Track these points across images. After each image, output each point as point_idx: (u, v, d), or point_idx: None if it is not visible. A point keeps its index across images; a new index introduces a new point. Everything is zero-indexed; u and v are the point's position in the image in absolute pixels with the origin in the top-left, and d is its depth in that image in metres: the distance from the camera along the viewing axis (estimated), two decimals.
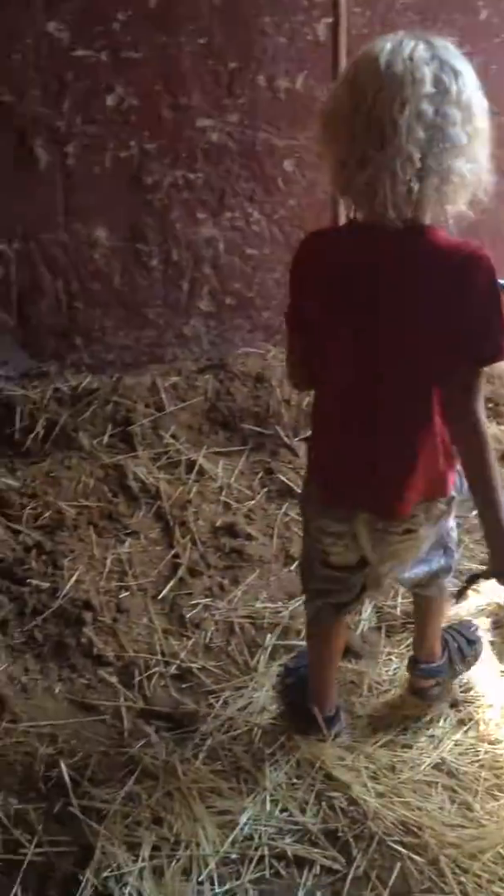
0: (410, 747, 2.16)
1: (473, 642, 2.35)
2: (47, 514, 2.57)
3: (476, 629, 2.40)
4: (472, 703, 2.31)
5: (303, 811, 2.01)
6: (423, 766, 2.12)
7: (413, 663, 2.24)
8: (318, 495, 1.93)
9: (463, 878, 1.89)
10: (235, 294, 3.24)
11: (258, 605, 2.47)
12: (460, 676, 2.31)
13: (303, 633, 2.32)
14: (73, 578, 2.40)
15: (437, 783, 2.10)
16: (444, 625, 2.29)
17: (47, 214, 2.95)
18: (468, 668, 2.33)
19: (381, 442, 1.78)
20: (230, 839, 1.95)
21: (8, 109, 2.82)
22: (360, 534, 1.89)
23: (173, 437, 2.86)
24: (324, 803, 2.03)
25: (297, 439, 2.93)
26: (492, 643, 2.47)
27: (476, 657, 2.35)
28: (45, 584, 2.39)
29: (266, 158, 3.08)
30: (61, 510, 2.59)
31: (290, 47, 2.96)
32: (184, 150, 3.01)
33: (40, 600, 2.36)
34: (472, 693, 2.34)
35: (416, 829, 1.97)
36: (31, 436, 2.81)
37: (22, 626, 2.34)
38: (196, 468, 2.79)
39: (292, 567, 2.56)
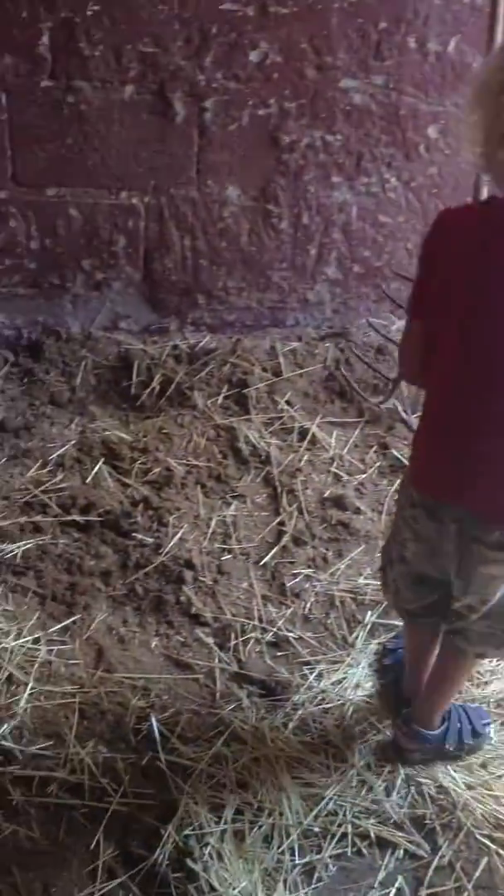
0: None
1: (479, 735, 2.11)
2: (156, 470, 2.60)
3: (488, 723, 2.14)
4: None
5: (389, 794, 2.00)
6: None
7: (407, 718, 2.07)
8: (415, 480, 1.84)
9: None
10: (364, 262, 3.19)
11: (361, 580, 2.44)
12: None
13: None
14: (178, 536, 2.43)
15: None
16: (455, 700, 2.13)
17: (180, 170, 2.96)
18: (459, 757, 2.08)
19: (490, 443, 1.68)
20: (314, 812, 1.95)
21: (150, 60, 2.82)
22: (448, 538, 1.78)
23: (288, 403, 2.85)
24: (412, 788, 2.01)
25: (414, 416, 2.88)
26: None
27: (473, 751, 2.10)
28: (150, 540, 2.42)
29: (409, 123, 3.01)
30: (170, 467, 2.61)
31: (444, 10, 2.87)
32: (324, 111, 2.97)
33: (143, 555, 2.39)
34: None
35: None
36: (147, 391, 2.85)
37: (124, 578, 2.37)
38: (309, 437, 2.78)
39: None
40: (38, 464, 2.59)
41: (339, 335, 3.12)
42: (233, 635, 2.29)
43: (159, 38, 2.81)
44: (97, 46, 2.76)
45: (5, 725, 2.02)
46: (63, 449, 2.64)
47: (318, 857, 1.89)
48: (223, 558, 2.44)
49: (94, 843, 1.87)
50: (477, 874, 1.86)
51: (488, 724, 2.15)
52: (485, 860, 1.88)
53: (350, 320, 3.19)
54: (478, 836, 1.92)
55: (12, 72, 2.74)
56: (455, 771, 2.05)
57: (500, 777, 2.05)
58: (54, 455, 2.61)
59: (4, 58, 2.71)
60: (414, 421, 2.88)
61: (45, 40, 2.71)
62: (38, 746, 2.00)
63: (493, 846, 1.90)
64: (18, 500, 2.45)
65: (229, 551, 2.46)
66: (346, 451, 2.77)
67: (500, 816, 1.95)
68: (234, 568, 2.43)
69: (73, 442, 2.66)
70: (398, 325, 3.13)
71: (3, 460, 2.62)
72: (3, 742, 1.98)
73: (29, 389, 2.89)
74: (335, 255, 3.16)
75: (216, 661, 2.24)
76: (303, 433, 2.80)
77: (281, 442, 2.75)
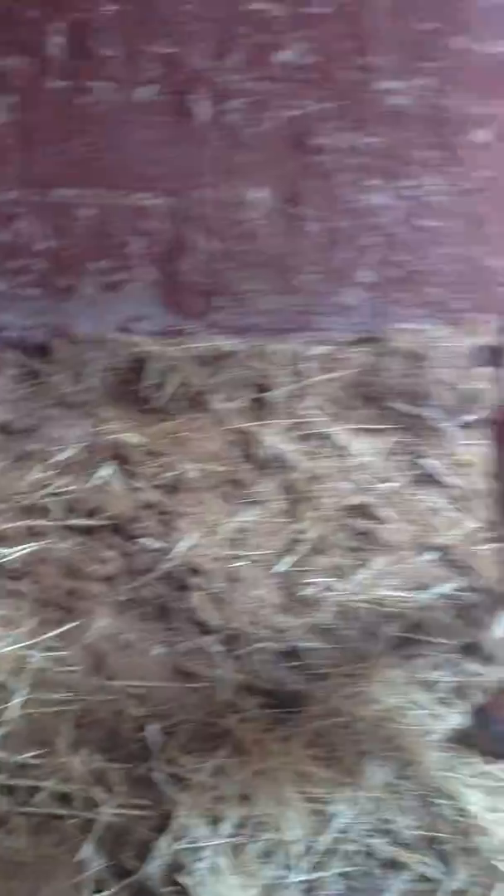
0: None
1: None
2: (168, 474, 2.63)
3: None
4: None
5: (403, 814, 1.96)
6: None
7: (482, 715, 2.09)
8: None
9: None
10: (401, 266, 3.21)
11: (382, 591, 2.43)
12: None
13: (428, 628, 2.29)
14: (187, 542, 2.44)
15: None
16: None
17: (201, 171, 3.03)
18: None
19: None
20: (320, 829, 1.93)
21: (171, 61, 2.91)
22: None
23: (312, 408, 2.87)
24: (429, 809, 1.97)
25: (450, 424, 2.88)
26: None
27: None
28: (158, 545, 2.45)
29: (455, 126, 3.03)
30: (184, 471, 2.64)
31: (494, 10, 2.89)
32: (358, 113, 3.02)
33: (150, 560, 2.42)
34: None
35: None
36: (161, 394, 2.90)
37: (129, 583, 2.40)
38: (333, 443, 2.79)
39: (426, 556, 2.51)
40: (42, 466, 2.64)
41: (371, 340, 3.14)
42: (241, 644, 2.29)
43: (181, 38, 2.89)
44: (112, 47, 2.86)
45: None
46: (70, 452, 2.69)
47: (323, 874, 1.87)
48: (235, 565, 2.45)
49: (84, 853, 1.88)
50: None
51: None
52: (501, 886, 1.83)
53: (384, 325, 3.21)
54: (495, 863, 1.87)
55: (23, 73, 2.86)
56: (478, 792, 2.01)
57: None
58: (60, 457, 2.67)
59: (14, 58, 2.82)
60: (451, 430, 2.88)
61: (58, 40, 2.82)
62: (28, 755, 2.02)
63: None
64: (20, 504, 2.50)
65: (242, 558, 2.47)
66: (372, 458, 2.77)
67: None
68: (245, 575, 2.43)
69: (82, 444, 2.71)
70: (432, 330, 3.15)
71: (7, 462, 2.69)
72: None
73: (37, 391, 2.97)
74: (371, 259, 3.19)
75: (222, 670, 2.25)
76: (326, 439, 2.80)
77: (302, 447, 2.77)
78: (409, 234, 3.18)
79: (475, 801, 1.98)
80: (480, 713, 2.13)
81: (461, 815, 1.94)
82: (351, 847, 1.91)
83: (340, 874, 1.88)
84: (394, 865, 1.90)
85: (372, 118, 3.01)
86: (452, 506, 2.68)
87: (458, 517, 2.64)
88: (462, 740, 2.11)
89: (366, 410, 2.92)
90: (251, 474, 2.69)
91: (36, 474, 2.61)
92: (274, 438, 2.76)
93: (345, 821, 1.94)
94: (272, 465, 2.72)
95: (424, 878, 1.86)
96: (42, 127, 2.93)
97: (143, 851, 1.89)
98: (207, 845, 1.88)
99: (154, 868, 1.84)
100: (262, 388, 2.89)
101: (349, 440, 2.81)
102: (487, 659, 2.27)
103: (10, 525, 2.44)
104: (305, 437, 2.81)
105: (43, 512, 2.50)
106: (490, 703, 2.15)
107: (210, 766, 2.03)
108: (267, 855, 1.89)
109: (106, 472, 2.63)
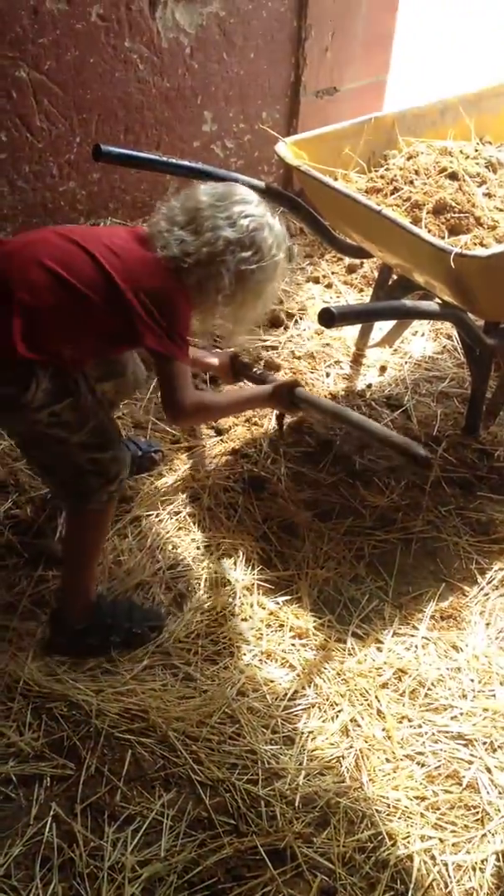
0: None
1: (135, 634, 2.33)
2: None
3: (156, 626, 2.37)
4: (182, 577, 2.49)
5: (22, 732, 2.09)
6: (141, 655, 2.30)
7: (54, 611, 2.35)
8: None
9: (194, 747, 2.07)
10: None
11: None
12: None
13: None
14: None
15: (158, 665, 2.27)
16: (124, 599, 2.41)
17: None
18: (105, 651, 2.32)
19: None
20: None
21: None
22: None
23: None
24: (43, 716, 2.12)
25: None
26: (191, 515, 2.65)
27: (126, 647, 2.32)
28: None
29: None
30: None
31: None
32: None
33: None
34: (179, 569, 2.52)
35: (141, 714, 2.13)
36: None
37: None
38: None
39: None
40: None
41: None
42: None
43: None
44: None
45: None
46: None
47: None
48: None
49: None
50: (125, 770, 2.03)
51: (156, 626, 2.35)
52: (129, 754, 2.06)
53: None
54: (117, 735, 2.09)
55: None
56: (78, 681, 2.20)
57: (126, 673, 2.25)
58: None
59: None
60: None
61: None
62: None
63: (133, 738, 2.08)
64: None
65: None
66: None
67: (132, 708, 2.14)
68: None
69: None
70: None
71: None
72: None
73: None
74: None
75: None
76: None
77: None
78: None
79: (79, 691, 2.17)
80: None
81: (73, 709, 2.13)
82: None
83: None
84: (29, 782, 2.03)
85: None
86: None
87: None
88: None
89: None
90: None
91: None
92: None
93: None
94: None
95: (61, 779, 2.02)
96: None
97: None
98: None
99: None
100: None
101: None
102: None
103: None
104: None
105: None
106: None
107: None
108: None
109: None
